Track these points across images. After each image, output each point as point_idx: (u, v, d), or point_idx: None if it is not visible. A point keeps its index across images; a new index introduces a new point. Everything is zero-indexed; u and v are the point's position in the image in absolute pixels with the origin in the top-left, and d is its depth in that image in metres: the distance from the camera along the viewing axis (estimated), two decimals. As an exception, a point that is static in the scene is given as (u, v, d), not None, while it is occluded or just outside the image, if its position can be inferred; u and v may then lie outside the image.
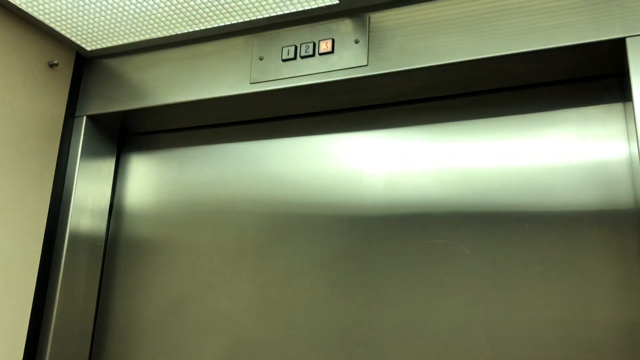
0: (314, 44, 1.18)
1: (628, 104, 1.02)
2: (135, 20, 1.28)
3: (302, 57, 1.19)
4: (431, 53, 1.07)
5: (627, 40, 0.94)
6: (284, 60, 1.20)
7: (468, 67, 1.06)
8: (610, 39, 0.95)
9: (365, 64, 1.12)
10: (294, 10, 1.20)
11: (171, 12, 1.23)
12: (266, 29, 1.25)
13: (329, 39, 1.17)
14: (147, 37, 1.34)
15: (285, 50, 1.20)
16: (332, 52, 1.16)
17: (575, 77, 1.08)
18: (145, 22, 1.28)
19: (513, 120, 1.13)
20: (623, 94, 1.05)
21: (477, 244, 1.10)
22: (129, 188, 1.48)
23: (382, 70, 1.11)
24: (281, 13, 1.21)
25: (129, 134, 1.52)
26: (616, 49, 0.97)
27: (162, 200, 1.43)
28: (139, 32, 1.32)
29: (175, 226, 1.40)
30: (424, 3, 1.10)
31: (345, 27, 1.17)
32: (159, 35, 1.33)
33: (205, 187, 1.39)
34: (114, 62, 1.41)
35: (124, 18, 1.28)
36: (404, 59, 1.09)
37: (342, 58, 1.15)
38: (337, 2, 1.15)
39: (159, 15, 1.25)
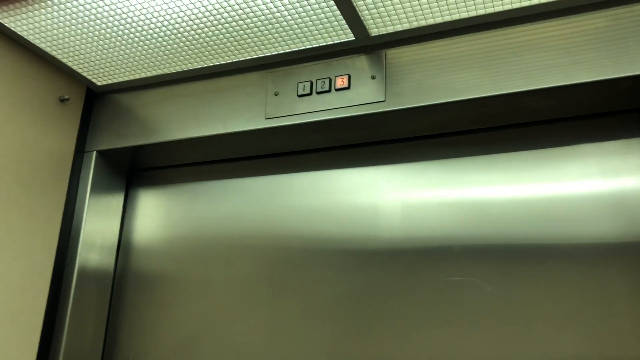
0: (330, 80, 1.18)
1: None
2: (147, 56, 1.28)
3: (317, 93, 1.19)
4: (449, 89, 1.07)
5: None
6: (299, 96, 1.20)
7: (486, 103, 1.06)
8: (629, 75, 0.96)
9: (383, 99, 1.12)
10: (310, 46, 1.20)
11: (185, 47, 1.24)
12: (281, 65, 1.25)
13: (345, 74, 1.17)
14: (160, 72, 1.34)
15: (300, 85, 1.20)
16: (348, 87, 1.16)
17: (594, 113, 1.09)
18: (158, 58, 1.28)
19: (532, 155, 1.13)
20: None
21: (498, 281, 1.08)
22: (138, 223, 1.46)
23: (400, 106, 1.11)
24: (297, 49, 1.22)
25: (139, 169, 1.51)
26: (635, 84, 0.98)
27: (172, 235, 1.41)
28: (151, 67, 1.32)
29: (186, 262, 1.37)
30: (440, 39, 1.11)
31: (361, 63, 1.17)
32: (172, 70, 1.32)
33: (216, 222, 1.37)
34: (124, 97, 1.40)
35: (137, 53, 1.27)
36: (421, 95, 1.09)
37: (359, 94, 1.15)
38: (353, 38, 1.16)
39: (172, 50, 1.25)
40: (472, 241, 1.12)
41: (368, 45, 1.17)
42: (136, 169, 1.51)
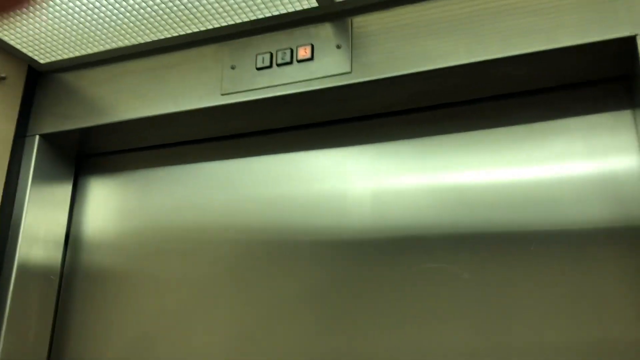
0: (292, 51, 1.07)
1: (638, 110, 0.94)
2: (94, 29, 1.16)
3: (278, 65, 1.08)
4: (422, 57, 0.97)
5: (638, 38, 0.85)
6: (258, 69, 1.09)
7: (463, 71, 0.96)
8: (618, 37, 0.86)
9: (349, 70, 1.01)
10: (269, 14, 1.09)
11: (133, 19, 1.12)
12: (238, 36, 1.14)
13: (308, 44, 1.06)
14: (107, 47, 1.21)
15: (260, 57, 1.09)
16: (311, 58, 1.05)
17: (578, 82, 0.99)
18: (105, 32, 1.16)
19: (513, 131, 1.02)
20: (632, 100, 0.96)
21: (477, 268, 0.99)
22: (88, 214, 1.34)
23: (368, 77, 1.00)
24: (255, 18, 1.11)
25: (87, 154, 1.38)
26: (624, 49, 0.89)
27: (126, 227, 1.29)
28: (98, 42, 1.20)
29: (141, 257, 1.25)
30: (411, 4, 1.01)
31: (325, 32, 1.06)
32: (120, 45, 1.20)
33: (173, 212, 1.25)
34: (70, 76, 1.28)
35: (82, 27, 1.15)
36: (391, 64, 0.99)
37: (322, 65, 1.04)
38: (317, 5, 1.05)
39: (119, 23, 1.13)
40: (449, 227, 1.02)
41: (332, 13, 1.07)
42: (85, 155, 1.38)
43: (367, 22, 1.04)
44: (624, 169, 0.95)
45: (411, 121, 1.10)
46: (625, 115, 0.97)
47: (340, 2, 1.04)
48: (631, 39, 0.86)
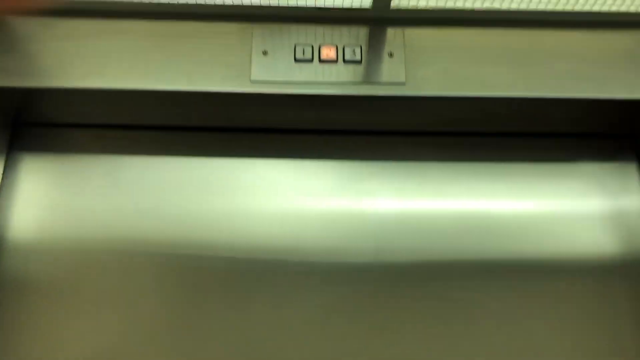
0: (337, 48, 0.99)
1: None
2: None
3: (321, 61, 0.98)
4: (479, 83, 0.96)
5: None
6: (297, 61, 0.98)
7: (516, 104, 0.98)
8: (658, 99, 0.97)
9: (403, 81, 0.96)
10: (312, 5, 0.99)
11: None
12: (271, 19, 1.01)
13: (357, 45, 0.99)
14: (93, -3, 0.99)
15: (299, 48, 0.98)
16: (359, 61, 0.98)
17: (605, 132, 1.08)
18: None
19: (536, 167, 1.07)
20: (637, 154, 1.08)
21: (500, 298, 0.99)
22: (18, 204, 1.04)
23: (423, 91, 0.96)
24: (294, 5, 0.99)
25: (28, 123, 1.09)
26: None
27: (67, 226, 1.02)
28: (80, -12, 0.97)
29: (78, 266, 1.00)
30: (467, 28, 1.00)
31: (376, 37, 1.00)
32: (110, -2, 0.99)
33: (122, 213, 1.03)
34: (31, 23, 1.00)
35: None
36: (447, 83, 0.96)
37: (373, 70, 0.97)
38: (370, 6, 0.99)
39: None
40: (470, 255, 1.02)
41: (385, 18, 1.01)
42: (25, 123, 1.09)
43: (420, 36, 1.00)
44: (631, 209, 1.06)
45: (444, 144, 1.08)
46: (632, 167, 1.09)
47: (395, 9, 0.99)
48: (669, 102, 0.96)
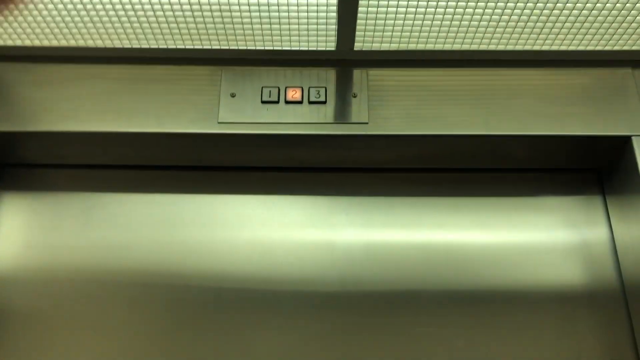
0: (302, 90, 1.02)
1: (609, 197, 1.07)
2: (56, 19, 0.97)
3: (287, 103, 1.01)
4: (440, 121, 0.99)
5: (634, 139, 0.98)
6: (264, 102, 1.01)
7: (477, 141, 1.00)
8: (616, 135, 0.98)
9: (367, 121, 0.99)
10: (279, 48, 1.03)
11: (108, 20, 0.97)
12: (239, 63, 1.05)
13: (322, 87, 1.02)
14: (69, 44, 1.03)
15: (266, 90, 1.02)
16: (324, 102, 1.01)
17: (568, 167, 1.10)
18: (70, 25, 0.99)
19: (504, 201, 1.10)
20: (602, 188, 1.10)
21: (466, 328, 1.01)
22: (1, 238, 1.08)
23: (385, 131, 0.99)
24: (262, 48, 1.03)
25: (8, 164, 1.13)
26: (617, 145, 1.01)
27: (50, 262, 1.06)
28: (57, 35, 1.01)
29: (65, 300, 1.03)
30: (428, 69, 1.04)
31: (340, 78, 1.03)
32: (86, 44, 1.03)
33: (111, 251, 1.07)
34: (10, 68, 1.05)
35: (41, 12, 0.96)
36: (409, 122, 0.99)
37: (337, 110, 1.00)
38: (334, 49, 1.02)
39: (92, 20, 0.97)
40: (440, 285, 1.04)
41: (348, 60, 1.04)
42: (5, 164, 1.13)
43: (383, 77, 1.03)
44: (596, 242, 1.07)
45: (409, 180, 1.11)
46: (596, 200, 1.10)
47: (358, 51, 1.03)
48: (627, 139, 0.99)
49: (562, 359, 0.99)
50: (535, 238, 1.08)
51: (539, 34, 0.99)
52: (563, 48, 1.02)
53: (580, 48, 1.02)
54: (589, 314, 1.02)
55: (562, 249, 1.07)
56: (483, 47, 1.02)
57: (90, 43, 1.03)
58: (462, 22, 0.97)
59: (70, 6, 0.96)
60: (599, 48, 1.02)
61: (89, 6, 0.96)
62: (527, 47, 1.02)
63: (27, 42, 1.03)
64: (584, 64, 1.03)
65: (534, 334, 1.01)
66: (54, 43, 1.03)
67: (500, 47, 1.02)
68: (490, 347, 1.00)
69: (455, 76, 1.03)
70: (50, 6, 0.96)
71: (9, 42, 1.03)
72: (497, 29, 0.98)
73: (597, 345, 1.00)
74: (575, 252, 1.07)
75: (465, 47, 1.02)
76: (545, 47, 1.02)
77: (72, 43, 1.03)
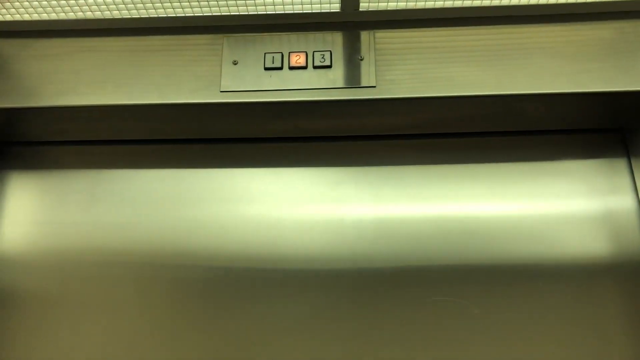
0: (306, 54, 0.98)
1: (634, 159, 1.01)
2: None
3: (290, 68, 0.97)
4: (449, 83, 0.94)
5: (658, 93, 0.92)
6: (267, 69, 0.98)
7: (489, 102, 0.95)
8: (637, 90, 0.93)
9: (374, 84, 0.95)
10: (281, 12, 0.99)
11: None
12: (240, 30, 1.01)
13: (326, 50, 0.98)
14: (67, 17, 1.00)
15: (269, 57, 0.98)
16: (330, 66, 0.97)
17: (585, 128, 1.05)
18: (67, -3, 0.96)
19: (520, 167, 1.04)
20: (627, 150, 1.04)
21: (484, 301, 0.97)
22: (6, 218, 1.07)
23: (394, 94, 0.94)
24: (263, 13, 1.00)
25: (11, 142, 1.12)
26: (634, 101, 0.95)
27: (57, 240, 1.05)
28: (55, 8, 0.99)
29: (68, 279, 1.02)
30: (438, 28, 0.99)
31: (346, 41, 0.99)
32: (84, 16, 1.00)
33: (116, 229, 1.05)
34: (8, 43, 1.03)
35: None
36: (418, 85, 0.95)
37: (343, 75, 0.96)
38: (338, 10, 0.98)
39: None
40: (455, 257, 1.00)
41: (354, 22, 1.00)
42: (8, 142, 1.12)
43: (391, 38, 0.99)
44: (621, 208, 1.01)
45: (419, 146, 1.06)
46: (621, 162, 1.04)
47: (364, 11, 0.99)
48: (645, 93, 0.93)
49: (584, 334, 0.95)
50: (555, 206, 1.03)
51: (555, -14, 0.94)
52: (580, 0, 0.96)
53: None
54: (614, 286, 0.97)
55: (584, 218, 1.02)
56: (495, 2, 0.97)
57: (89, 15, 1.00)
58: (471, -24, 0.92)
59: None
60: (619, -1, 0.96)
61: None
62: (542, 1, 0.97)
63: (26, 17, 1.01)
64: (603, 17, 0.97)
65: (554, 308, 0.97)
66: (53, 17, 1.01)
67: (514, 2, 0.97)
68: (509, 323, 0.96)
69: (465, 35, 0.98)
70: (45, -23, 0.93)
71: (8, 17, 1.01)
72: (510, -18, 0.93)
73: (623, 320, 0.95)
74: (598, 221, 1.01)
75: (477, 3, 0.97)
76: (561, 0, 0.97)
77: (71, 16, 1.01)
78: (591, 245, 1.00)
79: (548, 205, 1.02)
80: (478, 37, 0.97)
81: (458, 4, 0.97)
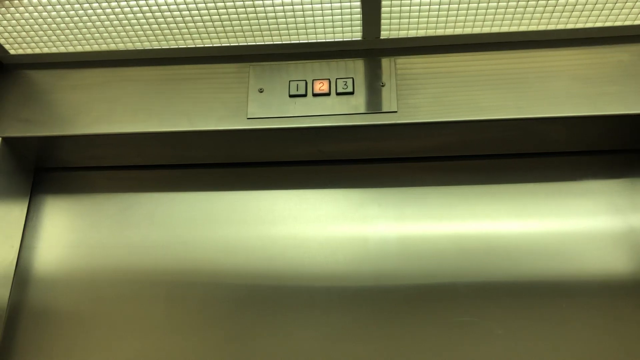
0: (329, 82, 1.01)
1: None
2: (89, 25, 1.00)
3: (314, 95, 1.01)
4: (471, 107, 0.97)
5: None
6: (291, 96, 1.01)
7: (509, 126, 0.97)
8: (656, 112, 0.94)
9: (395, 110, 0.98)
10: (305, 41, 1.03)
11: (136, 22, 0.99)
12: (266, 59, 1.05)
13: (349, 78, 1.01)
14: (99, 48, 1.05)
15: (293, 84, 1.02)
16: (352, 92, 1.00)
17: (607, 149, 1.06)
18: (100, 30, 1.01)
19: (543, 187, 1.06)
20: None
21: (507, 320, 0.98)
22: (42, 241, 1.12)
23: (415, 119, 0.97)
24: (287, 42, 1.03)
25: (47, 168, 1.17)
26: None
27: (88, 262, 1.09)
28: (88, 40, 1.04)
29: (98, 298, 1.06)
30: (457, 54, 1.01)
31: (367, 68, 1.02)
32: (116, 48, 1.05)
33: (148, 249, 1.09)
34: (45, 75, 1.08)
35: (71, 20, 0.99)
36: (439, 109, 0.97)
37: (365, 101, 0.99)
38: (360, 38, 1.01)
39: (121, 23, 0.99)
40: (477, 276, 1.01)
41: (375, 49, 1.03)
42: (44, 168, 1.17)
43: (411, 64, 1.02)
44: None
45: (441, 168, 1.09)
46: (641, 183, 1.05)
47: (385, 39, 1.02)
48: (670, 116, 0.94)
49: (608, 353, 0.95)
50: (577, 225, 1.04)
51: (572, 12, 0.96)
52: (599, 25, 0.98)
53: (618, 24, 0.98)
54: (637, 305, 0.98)
55: (607, 236, 1.03)
56: (513, 28, 0.99)
57: (121, 46, 1.05)
58: (489, 4, 0.95)
59: (99, 11, 0.98)
60: (637, 22, 0.98)
61: (117, 10, 0.98)
62: (560, 27, 0.99)
63: (62, 49, 1.06)
64: (621, 40, 0.99)
65: (577, 326, 0.97)
66: (87, 48, 1.06)
67: (532, 28, 0.99)
68: (532, 341, 0.97)
69: (484, 60, 1.00)
70: (81, 12, 0.98)
71: (45, 50, 1.07)
72: (527, 9, 0.95)
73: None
74: (620, 239, 1.02)
75: (495, 29, 0.99)
76: (579, 25, 0.98)
77: (104, 47, 1.06)
78: (614, 263, 1.01)
79: (571, 224, 1.03)
80: (497, 61, 1.00)
81: (477, 30, 1.00)
